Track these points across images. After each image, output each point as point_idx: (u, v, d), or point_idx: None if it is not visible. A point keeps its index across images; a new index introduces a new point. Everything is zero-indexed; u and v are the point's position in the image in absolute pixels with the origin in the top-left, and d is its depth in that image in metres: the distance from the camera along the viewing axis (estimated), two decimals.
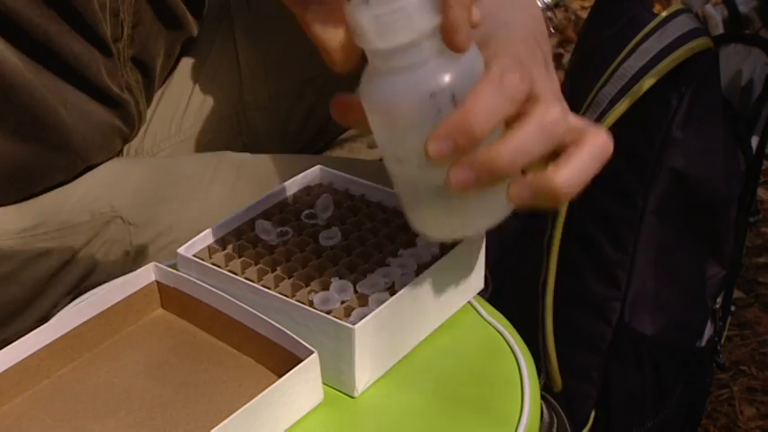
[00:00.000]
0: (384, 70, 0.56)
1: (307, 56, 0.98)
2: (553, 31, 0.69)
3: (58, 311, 0.84)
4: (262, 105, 1.03)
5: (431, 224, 0.63)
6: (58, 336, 0.65)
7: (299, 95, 1.04)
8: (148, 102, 0.98)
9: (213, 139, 1.02)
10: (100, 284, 0.85)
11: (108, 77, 0.88)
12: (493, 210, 0.61)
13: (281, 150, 1.03)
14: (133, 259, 0.89)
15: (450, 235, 0.63)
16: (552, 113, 0.56)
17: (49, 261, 0.87)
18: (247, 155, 0.96)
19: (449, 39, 0.54)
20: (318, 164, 0.79)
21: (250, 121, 1.03)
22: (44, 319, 0.84)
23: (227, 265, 0.69)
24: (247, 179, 0.92)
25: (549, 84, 0.60)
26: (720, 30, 1.17)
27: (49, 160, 0.87)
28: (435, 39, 0.55)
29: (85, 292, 0.85)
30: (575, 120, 0.59)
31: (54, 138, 0.85)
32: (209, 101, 1.02)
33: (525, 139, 0.55)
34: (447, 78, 0.55)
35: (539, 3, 0.69)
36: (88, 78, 0.86)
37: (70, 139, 0.86)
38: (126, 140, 0.95)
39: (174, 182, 0.91)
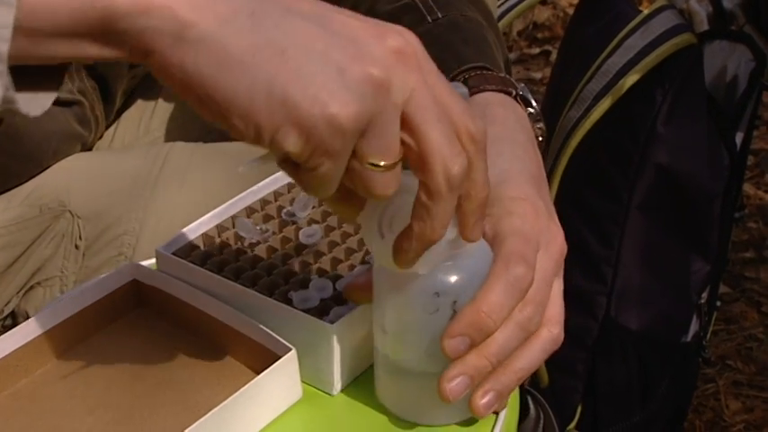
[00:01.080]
0: None
1: None
2: (541, 140, 0.72)
3: (12, 308, 0.84)
4: None
5: (389, 399, 0.64)
6: (37, 335, 0.65)
7: None
8: (109, 108, 0.97)
9: (182, 138, 1.01)
10: (51, 279, 0.86)
11: None
12: (451, 413, 0.63)
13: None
14: (84, 252, 0.88)
15: (405, 417, 0.64)
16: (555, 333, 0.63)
17: (0, 258, 0.87)
18: (200, 144, 0.95)
19: (464, 233, 0.57)
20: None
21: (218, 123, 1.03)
22: None
23: (206, 263, 0.69)
24: (199, 168, 0.91)
25: (546, 263, 0.63)
26: (705, 26, 1.18)
27: (2, 166, 0.86)
28: (449, 244, 0.57)
29: (38, 287, 0.85)
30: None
31: (6, 144, 0.85)
32: (177, 101, 1.02)
33: (508, 339, 0.60)
34: (454, 282, 0.59)
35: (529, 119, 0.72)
36: None
37: (23, 145, 0.86)
38: (85, 145, 0.94)
39: (121, 174, 0.90)
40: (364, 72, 0.48)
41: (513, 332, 0.60)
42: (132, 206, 0.88)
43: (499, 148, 0.66)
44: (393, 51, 0.49)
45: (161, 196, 0.88)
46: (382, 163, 0.50)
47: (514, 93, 0.72)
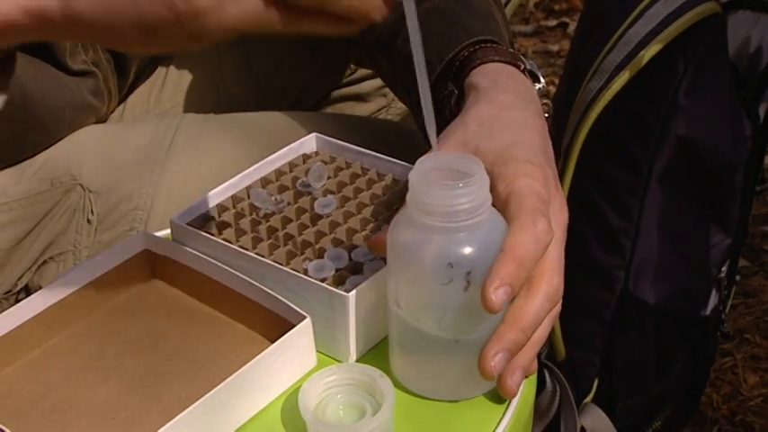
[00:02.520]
0: (418, 223, 0.58)
1: None
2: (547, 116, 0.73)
3: (25, 282, 0.84)
4: (240, 75, 1.02)
5: (403, 373, 0.64)
6: (49, 305, 0.65)
7: (277, 65, 1.03)
8: (123, 82, 0.97)
9: (193, 110, 1.01)
10: (64, 254, 0.85)
11: (68, 54, 0.86)
12: (464, 389, 0.63)
13: None
14: (96, 227, 0.88)
15: (411, 388, 0.64)
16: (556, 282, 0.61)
17: (11, 232, 0.86)
18: (210, 115, 0.94)
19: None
20: (281, 120, 0.78)
21: (230, 91, 1.02)
22: (9, 291, 0.84)
23: (221, 234, 0.69)
24: (209, 141, 0.90)
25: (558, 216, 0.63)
26: None
27: (17, 136, 0.86)
28: (469, 213, 0.57)
29: (50, 262, 0.84)
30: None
31: (20, 114, 0.84)
32: (187, 72, 1.01)
33: (539, 310, 0.60)
34: (468, 253, 0.58)
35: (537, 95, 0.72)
36: (48, 52, 0.85)
37: (37, 114, 0.85)
38: (99, 117, 0.94)
39: (132, 148, 0.89)
40: None
41: (543, 304, 0.60)
42: (144, 181, 0.87)
43: (511, 114, 0.66)
44: None
45: (172, 171, 0.87)
46: None
47: (523, 67, 0.71)
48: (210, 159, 0.82)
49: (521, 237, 0.58)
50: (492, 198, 0.60)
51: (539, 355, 0.64)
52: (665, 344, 1.16)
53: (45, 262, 0.87)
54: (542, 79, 0.73)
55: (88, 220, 0.87)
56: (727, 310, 1.21)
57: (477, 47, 0.72)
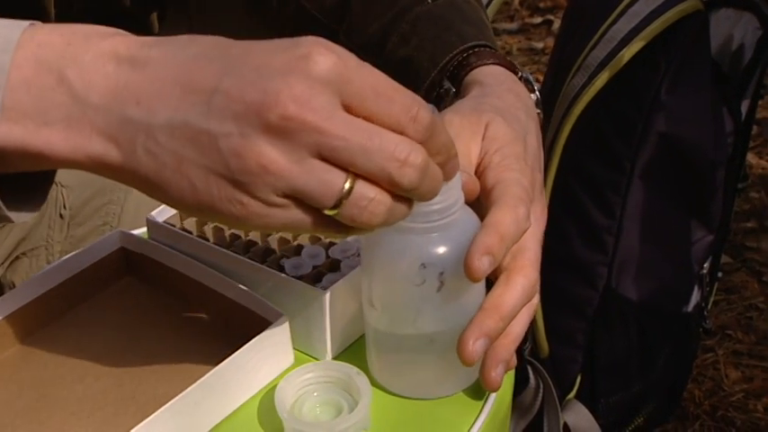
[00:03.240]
0: None
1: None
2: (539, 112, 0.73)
3: None
4: None
5: (380, 372, 0.64)
6: (24, 303, 0.65)
7: None
8: None
9: None
10: (36, 249, 0.84)
11: None
12: (440, 387, 0.63)
13: None
14: (69, 222, 0.87)
15: (388, 386, 0.64)
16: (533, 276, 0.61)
17: None
18: None
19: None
20: None
21: None
22: None
23: (198, 231, 0.69)
24: None
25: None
26: None
27: None
28: (441, 213, 0.57)
29: (23, 257, 0.84)
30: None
31: None
32: None
33: (517, 300, 0.60)
34: (441, 254, 0.58)
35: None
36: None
37: None
38: None
39: None
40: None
41: (521, 295, 0.60)
42: None
43: (517, 115, 0.66)
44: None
45: None
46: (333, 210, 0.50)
47: (520, 74, 0.72)
48: None
49: (502, 215, 0.58)
50: (478, 184, 0.60)
51: (521, 352, 0.64)
52: (647, 340, 1.16)
53: (18, 257, 0.86)
54: (537, 89, 0.73)
55: (61, 215, 0.86)
56: (709, 306, 1.22)
57: (471, 51, 0.72)
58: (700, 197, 1.14)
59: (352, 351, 0.66)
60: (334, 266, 0.66)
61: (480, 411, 0.62)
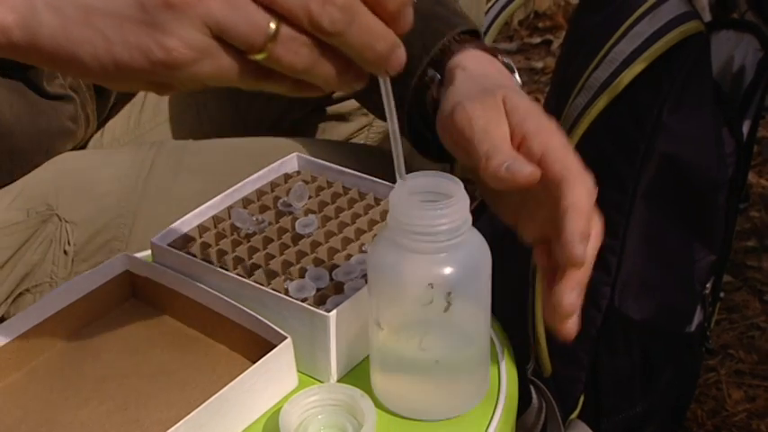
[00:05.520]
0: (398, 243, 0.58)
1: None
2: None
3: (1, 314, 0.83)
4: (221, 97, 1.01)
5: (385, 394, 0.64)
6: (28, 328, 0.65)
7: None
8: (102, 105, 0.95)
9: (173, 131, 1.00)
10: (40, 285, 0.83)
11: (45, 78, 0.85)
12: (445, 409, 0.63)
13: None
14: (73, 258, 0.87)
15: (392, 408, 0.64)
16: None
17: None
18: (190, 141, 0.93)
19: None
20: (262, 146, 0.79)
21: (210, 112, 1.01)
22: None
23: (202, 254, 0.69)
24: (190, 167, 0.89)
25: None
26: (707, 12, 1.16)
27: None
28: (449, 234, 0.57)
29: (27, 293, 0.83)
30: None
31: None
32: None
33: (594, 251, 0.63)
34: (448, 274, 0.58)
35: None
36: (24, 74, 0.83)
37: (14, 139, 0.84)
38: (75, 142, 0.92)
39: (109, 177, 0.88)
40: None
41: (597, 244, 0.63)
42: (121, 211, 0.87)
43: (512, 85, 0.68)
44: None
45: (150, 201, 0.87)
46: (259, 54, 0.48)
47: (501, 60, 0.73)
48: (189, 189, 0.81)
49: (579, 193, 0.60)
50: (520, 154, 0.61)
51: (524, 371, 0.65)
52: (650, 360, 1.16)
53: (21, 294, 0.85)
54: (517, 74, 0.74)
55: (65, 252, 0.86)
56: (711, 326, 1.21)
57: (460, 37, 0.73)
58: (702, 217, 1.14)
59: (357, 373, 0.66)
60: (338, 289, 0.66)
61: None
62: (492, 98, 0.64)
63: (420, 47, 0.73)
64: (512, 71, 0.72)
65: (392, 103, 0.55)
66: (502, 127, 0.63)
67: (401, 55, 0.51)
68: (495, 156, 0.61)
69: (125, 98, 1.01)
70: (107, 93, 0.94)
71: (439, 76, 0.72)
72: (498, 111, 0.63)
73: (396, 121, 0.56)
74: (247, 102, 1.03)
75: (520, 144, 0.62)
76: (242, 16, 0.46)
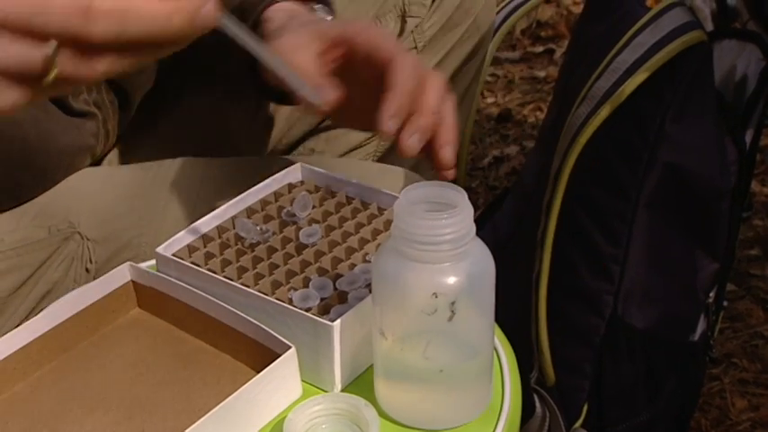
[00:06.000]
0: (403, 253, 0.59)
1: None
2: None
3: None
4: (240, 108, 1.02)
5: (389, 403, 0.64)
6: (34, 338, 0.65)
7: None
8: (124, 119, 0.94)
9: (192, 143, 0.99)
10: None
11: (70, 94, 0.85)
12: (450, 417, 0.63)
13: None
14: (94, 276, 0.86)
15: (396, 417, 0.64)
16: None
17: (7, 281, 0.84)
18: (211, 159, 0.92)
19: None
20: (279, 164, 0.79)
21: (230, 125, 1.01)
22: None
23: (206, 264, 0.69)
24: (211, 185, 0.89)
25: None
26: (709, 22, 1.17)
27: (14, 180, 0.84)
28: (454, 243, 0.58)
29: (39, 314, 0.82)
30: None
31: (19, 158, 0.82)
32: (186, 102, 0.99)
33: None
34: (452, 283, 0.59)
35: None
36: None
37: (37, 156, 0.84)
38: (95, 157, 0.92)
39: (131, 195, 0.88)
40: None
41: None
42: (143, 230, 0.86)
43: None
44: None
45: (172, 219, 0.86)
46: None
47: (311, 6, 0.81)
48: (211, 206, 0.82)
49: (403, 73, 0.69)
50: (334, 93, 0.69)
51: (527, 380, 0.65)
52: (654, 369, 1.16)
53: (42, 311, 0.85)
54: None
55: (87, 269, 0.86)
56: (715, 335, 1.21)
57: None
58: (705, 226, 1.15)
59: (360, 383, 0.66)
60: (341, 298, 0.67)
61: None
62: (296, 33, 0.73)
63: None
64: (329, 9, 0.81)
65: (245, 34, 0.58)
66: (304, 54, 0.71)
67: (208, 10, 0.50)
68: (301, 87, 0.67)
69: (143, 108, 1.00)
70: (131, 105, 0.94)
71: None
72: (302, 40, 0.72)
73: (262, 50, 0.62)
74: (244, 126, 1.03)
75: (349, 48, 0.72)
76: (9, 53, 0.48)
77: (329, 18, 0.81)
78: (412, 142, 0.69)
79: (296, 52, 0.72)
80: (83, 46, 0.48)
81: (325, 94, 0.70)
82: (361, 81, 0.73)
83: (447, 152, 0.71)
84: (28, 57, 0.48)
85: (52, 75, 0.48)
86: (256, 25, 0.78)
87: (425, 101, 0.70)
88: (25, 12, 0.47)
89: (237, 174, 0.89)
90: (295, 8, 0.79)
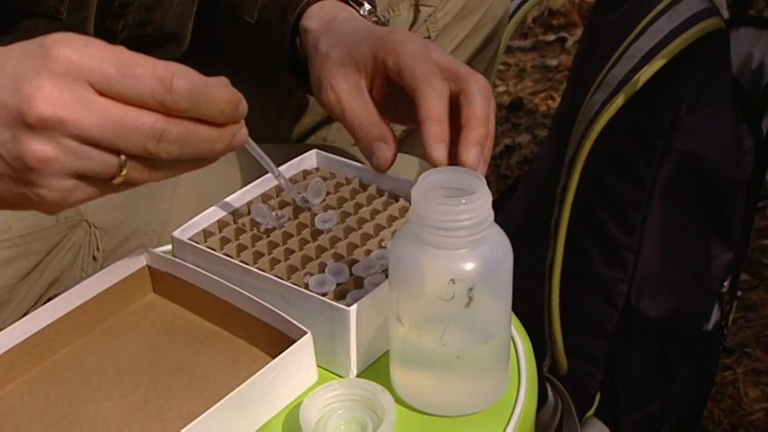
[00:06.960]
0: (420, 239, 0.58)
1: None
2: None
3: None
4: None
5: (405, 389, 0.64)
6: (50, 322, 0.65)
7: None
8: None
9: None
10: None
11: None
12: (466, 404, 0.63)
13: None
14: (102, 264, 0.86)
15: (412, 403, 0.64)
16: None
17: (15, 268, 0.84)
18: None
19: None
20: (292, 152, 0.79)
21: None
22: None
23: (222, 249, 0.69)
24: (217, 175, 0.87)
25: None
26: (725, 9, 1.16)
27: None
28: (471, 229, 0.58)
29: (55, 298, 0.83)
30: None
31: None
32: None
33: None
34: (470, 269, 0.58)
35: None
36: None
37: None
38: None
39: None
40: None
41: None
42: (150, 218, 0.86)
43: (365, 25, 0.78)
44: None
45: (179, 207, 0.86)
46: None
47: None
48: (218, 195, 0.81)
49: (429, 102, 0.69)
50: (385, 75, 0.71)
51: (540, 368, 0.65)
52: (667, 358, 1.16)
53: (50, 299, 0.85)
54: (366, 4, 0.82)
55: (94, 257, 0.86)
56: (728, 324, 1.21)
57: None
58: (720, 215, 1.14)
59: (376, 368, 0.66)
60: (357, 284, 0.66)
61: (505, 429, 0.62)
62: (347, 64, 0.74)
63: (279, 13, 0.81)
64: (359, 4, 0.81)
65: (265, 157, 0.68)
66: (357, 102, 0.73)
67: (241, 136, 0.60)
68: (363, 138, 0.73)
69: None
70: None
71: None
72: (350, 80, 0.73)
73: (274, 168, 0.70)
74: (280, 104, 1.02)
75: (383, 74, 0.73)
76: (92, 161, 0.55)
77: (368, 7, 0.82)
78: (474, 159, 0.69)
79: (349, 101, 0.74)
80: (149, 160, 0.56)
81: (382, 153, 0.72)
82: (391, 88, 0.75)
83: (483, 167, 0.70)
84: (105, 165, 0.55)
85: (120, 179, 0.56)
86: (296, 31, 0.81)
87: (473, 111, 0.70)
88: (110, 133, 0.54)
89: (247, 162, 0.89)
90: (327, 6, 0.80)
